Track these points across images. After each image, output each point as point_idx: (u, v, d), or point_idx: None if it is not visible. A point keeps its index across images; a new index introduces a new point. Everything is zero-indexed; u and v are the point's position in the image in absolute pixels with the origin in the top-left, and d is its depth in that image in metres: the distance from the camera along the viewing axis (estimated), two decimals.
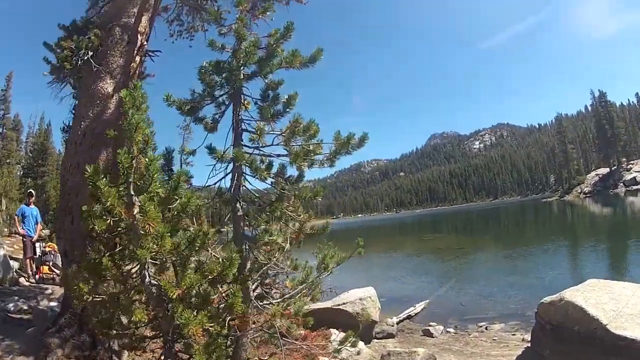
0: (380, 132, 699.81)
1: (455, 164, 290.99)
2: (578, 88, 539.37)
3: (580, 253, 24.08)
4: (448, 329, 12.34)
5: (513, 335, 11.26)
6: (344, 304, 11.31)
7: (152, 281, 4.68)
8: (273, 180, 6.20)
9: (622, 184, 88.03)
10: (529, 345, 9.75)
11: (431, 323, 12.97)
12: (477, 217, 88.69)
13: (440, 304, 15.49)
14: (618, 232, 32.17)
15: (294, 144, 5.98)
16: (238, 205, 6.10)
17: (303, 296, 6.82)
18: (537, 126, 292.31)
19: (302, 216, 6.50)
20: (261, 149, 6.19)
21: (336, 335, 9.20)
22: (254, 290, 5.98)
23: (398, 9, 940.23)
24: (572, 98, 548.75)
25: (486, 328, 12.13)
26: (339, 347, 7.43)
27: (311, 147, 5.94)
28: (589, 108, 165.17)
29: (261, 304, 6.05)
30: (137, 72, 7.94)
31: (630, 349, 6.97)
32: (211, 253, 5.79)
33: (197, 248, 4.68)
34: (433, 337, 11.74)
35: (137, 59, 7.75)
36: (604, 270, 18.32)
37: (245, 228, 6.24)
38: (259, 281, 6.30)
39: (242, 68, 6.18)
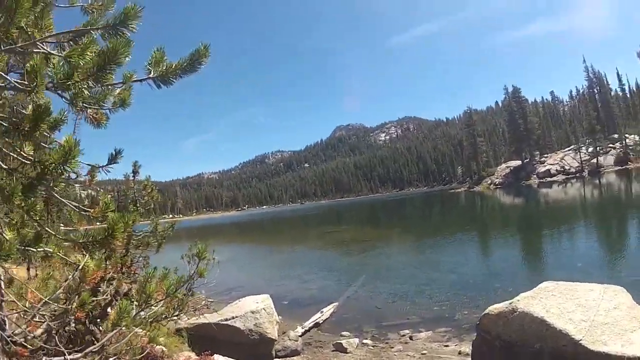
0: (284, 123, 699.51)
1: (360, 156, 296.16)
2: (488, 87, 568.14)
3: (501, 245, 23.03)
4: (364, 341, 10.00)
5: (446, 346, 9.18)
6: (233, 318, 8.71)
7: None
8: None
9: (535, 176, 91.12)
10: None
11: (343, 333, 10.75)
12: (383, 207, 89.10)
13: (351, 308, 13.21)
14: (537, 222, 31.76)
15: None
16: None
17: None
18: (445, 120, 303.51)
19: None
20: None
21: None
22: None
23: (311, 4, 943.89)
24: (481, 97, 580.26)
25: (411, 338, 9.90)
26: None
27: None
28: (500, 104, 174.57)
29: None
30: None
31: None
32: None
33: None
34: (347, 353, 9.41)
35: None
36: (533, 263, 17.36)
37: None
38: None
39: None
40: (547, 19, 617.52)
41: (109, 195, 3.79)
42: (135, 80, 2.91)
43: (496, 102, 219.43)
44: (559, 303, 6.45)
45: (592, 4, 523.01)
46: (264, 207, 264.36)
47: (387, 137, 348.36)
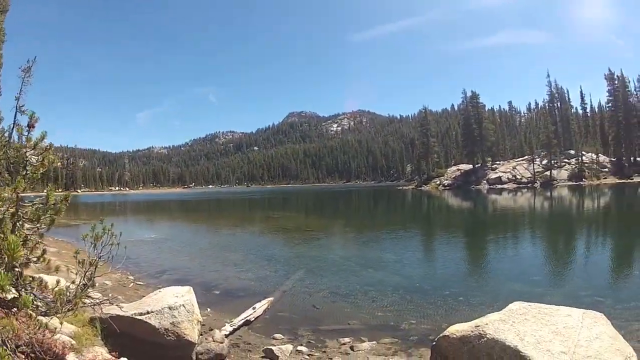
0: (237, 105, 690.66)
1: (310, 144, 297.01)
2: (446, 90, 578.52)
3: (446, 247, 22.41)
4: (299, 347, 8.73)
5: None
6: (148, 313, 7.33)
7: None
8: None
9: (485, 181, 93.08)
10: None
11: (276, 335, 9.53)
12: (329, 198, 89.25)
13: (286, 305, 11.98)
14: (484, 226, 32.23)
15: None
16: None
17: None
18: (399, 117, 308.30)
19: None
20: None
21: None
22: None
23: None
24: (438, 99, 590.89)
25: (352, 348, 8.69)
26: None
27: None
28: (456, 107, 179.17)
29: None
30: None
31: None
32: None
33: None
34: None
35: None
36: (480, 270, 16.67)
37: None
38: None
39: None
40: (515, 30, 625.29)
41: None
42: None
43: (452, 105, 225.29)
44: (534, 330, 5.44)
45: (568, 18, 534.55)
46: (210, 186, 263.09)
47: (339, 128, 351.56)
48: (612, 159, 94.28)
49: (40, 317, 4.49)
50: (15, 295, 4.70)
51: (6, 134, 5.06)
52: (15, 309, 4.44)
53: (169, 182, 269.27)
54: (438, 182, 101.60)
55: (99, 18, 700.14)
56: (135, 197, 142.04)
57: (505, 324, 5.59)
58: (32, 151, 4.87)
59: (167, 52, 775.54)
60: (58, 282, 5.00)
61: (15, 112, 4.95)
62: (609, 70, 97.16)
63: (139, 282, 14.86)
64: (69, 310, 4.77)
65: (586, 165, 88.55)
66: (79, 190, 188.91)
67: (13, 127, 4.93)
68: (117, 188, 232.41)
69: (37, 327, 4.27)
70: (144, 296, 9.11)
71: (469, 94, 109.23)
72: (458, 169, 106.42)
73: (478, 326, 5.65)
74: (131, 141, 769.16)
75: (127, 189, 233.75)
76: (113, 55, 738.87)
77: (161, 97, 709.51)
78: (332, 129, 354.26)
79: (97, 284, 11.89)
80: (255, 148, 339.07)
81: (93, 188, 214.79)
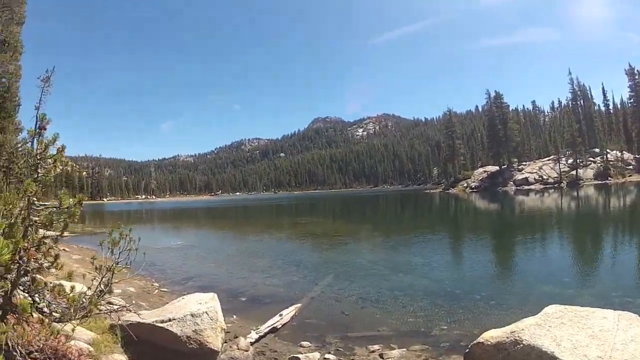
0: (262, 111, 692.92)
1: (336, 149, 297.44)
2: (469, 91, 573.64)
3: (476, 250, 21.95)
4: (327, 356, 8.34)
5: None
6: (170, 320, 7.13)
7: None
8: None
9: (512, 182, 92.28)
10: None
11: (303, 343, 9.21)
12: (356, 202, 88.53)
13: (314, 311, 11.66)
14: (513, 229, 31.63)
15: None
16: None
17: None
18: (424, 120, 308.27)
19: None
20: None
21: None
22: None
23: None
24: (462, 100, 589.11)
25: (381, 356, 8.31)
26: None
27: None
28: (480, 108, 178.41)
29: None
30: None
31: None
32: None
33: None
34: None
35: None
36: (511, 272, 16.21)
37: None
38: None
39: None
40: (534, 28, 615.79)
41: None
42: None
43: (476, 107, 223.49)
44: (571, 334, 5.13)
45: (582, 16, 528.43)
46: (238, 193, 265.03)
47: (365, 133, 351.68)
48: (637, 156, 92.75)
49: (53, 324, 4.36)
50: (30, 302, 4.55)
51: (28, 144, 4.97)
52: (27, 315, 4.31)
53: (195, 190, 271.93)
54: (465, 185, 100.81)
55: (112, 28, 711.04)
56: (161, 205, 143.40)
57: (542, 328, 5.29)
58: (43, 153, 4.71)
59: (187, 58, 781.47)
60: (73, 287, 4.82)
61: (36, 122, 4.82)
62: (629, 65, 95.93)
63: (164, 289, 14.71)
64: (83, 316, 4.62)
65: (611, 163, 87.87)
66: (105, 199, 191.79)
67: (34, 136, 4.80)
68: (143, 196, 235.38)
69: (49, 334, 4.14)
70: (167, 303, 8.94)
71: (492, 94, 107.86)
72: (485, 171, 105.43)
73: (514, 332, 5.36)
74: (156, 150, 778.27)
75: (154, 197, 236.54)
76: (133, 65, 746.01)
77: (184, 106, 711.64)
78: (357, 133, 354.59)
79: (120, 291, 11.79)
80: (282, 154, 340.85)
81: (119, 196, 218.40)
